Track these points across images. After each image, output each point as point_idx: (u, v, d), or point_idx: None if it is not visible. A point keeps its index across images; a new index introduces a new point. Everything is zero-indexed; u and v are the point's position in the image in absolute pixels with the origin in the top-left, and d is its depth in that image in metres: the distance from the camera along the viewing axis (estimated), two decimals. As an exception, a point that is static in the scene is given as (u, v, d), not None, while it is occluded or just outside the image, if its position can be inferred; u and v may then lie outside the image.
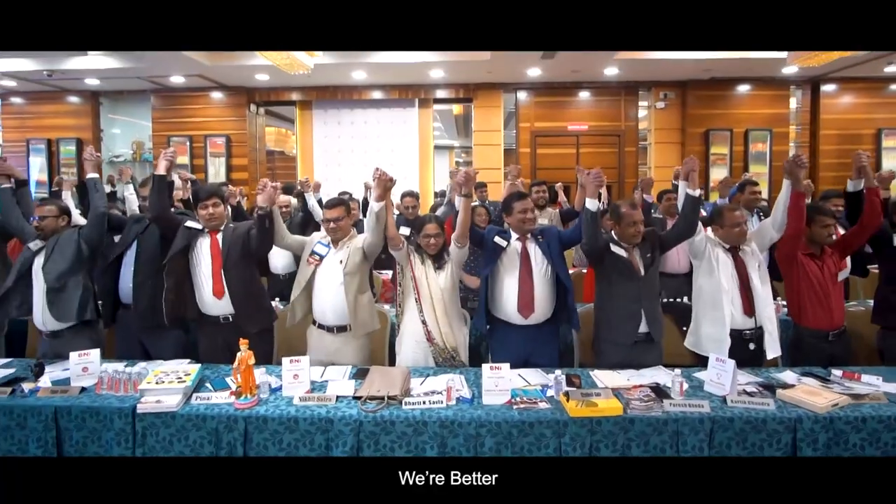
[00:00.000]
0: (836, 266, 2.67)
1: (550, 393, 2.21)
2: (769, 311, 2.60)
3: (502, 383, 2.15)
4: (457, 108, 10.09)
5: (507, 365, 2.20)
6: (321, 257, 2.71)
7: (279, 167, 9.85)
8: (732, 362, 2.20)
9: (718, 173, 7.31)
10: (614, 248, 2.59)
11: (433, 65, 6.85)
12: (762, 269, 2.65)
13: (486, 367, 2.19)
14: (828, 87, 7.47)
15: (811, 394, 2.17)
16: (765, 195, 7.11)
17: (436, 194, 8.51)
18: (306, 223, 4.24)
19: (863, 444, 2.02)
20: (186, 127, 7.83)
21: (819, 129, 7.56)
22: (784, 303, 3.04)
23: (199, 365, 2.48)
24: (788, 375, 2.42)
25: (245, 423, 2.09)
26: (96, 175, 2.94)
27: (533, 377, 2.38)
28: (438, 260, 2.71)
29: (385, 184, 2.59)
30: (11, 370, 2.54)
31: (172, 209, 2.98)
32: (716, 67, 6.84)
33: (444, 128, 12.56)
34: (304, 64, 5.32)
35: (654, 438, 2.02)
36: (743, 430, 2.02)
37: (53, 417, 2.16)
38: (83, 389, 2.28)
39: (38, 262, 2.74)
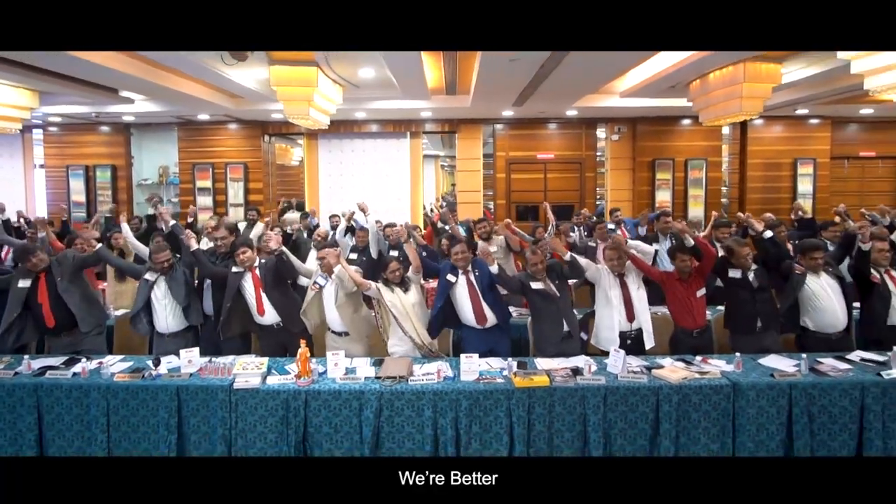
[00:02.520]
0: (695, 286, 3.85)
1: (506, 373, 3.36)
2: (645, 316, 3.78)
3: (473, 367, 3.30)
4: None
5: (477, 355, 3.37)
6: (321, 286, 3.81)
7: (283, 180, 10.93)
8: (623, 352, 3.37)
9: (663, 195, 8.62)
10: (532, 283, 3.75)
11: (423, 109, 8.03)
12: (641, 290, 3.82)
13: (463, 356, 3.34)
14: (754, 123, 8.81)
15: (672, 372, 3.34)
16: (700, 214, 8.45)
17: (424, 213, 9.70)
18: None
19: (700, 402, 3.20)
20: (209, 155, 8.93)
21: (747, 158, 8.91)
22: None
23: (267, 358, 3.60)
24: (667, 361, 3.59)
25: (305, 395, 3.19)
26: (175, 221, 4.11)
27: (495, 363, 3.53)
28: (403, 284, 3.77)
29: (333, 257, 3.75)
30: (130, 363, 3.62)
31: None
32: (659, 110, 8.13)
33: (431, 142, 13.72)
34: (323, 122, 6.43)
35: (569, 400, 3.17)
36: (625, 394, 3.18)
37: (176, 392, 3.27)
38: (190, 374, 3.39)
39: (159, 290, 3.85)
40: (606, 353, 3.56)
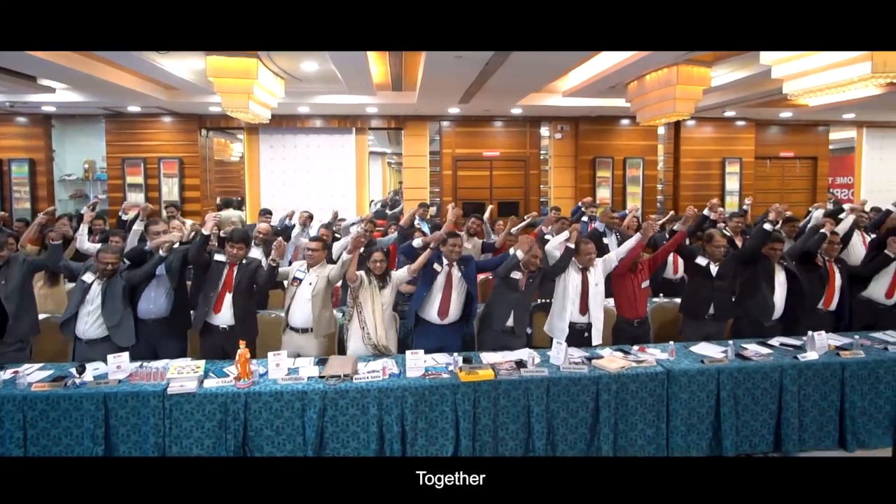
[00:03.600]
0: (641, 278, 4.04)
1: (451, 368, 3.38)
2: (598, 313, 3.89)
3: (419, 363, 3.30)
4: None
5: (423, 351, 3.36)
6: (300, 280, 3.77)
7: (222, 176, 10.50)
8: (565, 344, 3.46)
9: (603, 192, 8.95)
10: (513, 273, 3.79)
11: (369, 105, 7.92)
12: (600, 285, 3.94)
13: (408, 353, 3.33)
14: (687, 124, 9.30)
15: (611, 361, 3.47)
16: (639, 209, 8.79)
17: (372, 202, 9.60)
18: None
19: (637, 389, 3.34)
20: (141, 150, 8.43)
21: (680, 157, 9.39)
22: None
23: (203, 361, 3.45)
24: (606, 351, 3.73)
25: (245, 397, 3.09)
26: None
27: (441, 358, 3.54)
28: (382, 280, 3.74)
29: (359, 243, 3.65)
30: (50, 371, 3.37)
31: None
32: (600, 110, 8.41)
33: (377, 139, 13.58)
34: (264, 116, 6.21)
35: (514, 392, 3.23)
36: (567, 385, 3.28)
37: (103, 400, 3.07)
38: (119, 381, 3.19)
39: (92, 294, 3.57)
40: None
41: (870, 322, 4.18)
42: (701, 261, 4.02)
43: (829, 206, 5.33)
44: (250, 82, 5.51)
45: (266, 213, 6.14)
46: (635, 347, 3.73)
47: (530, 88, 7.04)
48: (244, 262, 3.80)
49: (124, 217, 4.53)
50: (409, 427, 3.12)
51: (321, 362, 3.46)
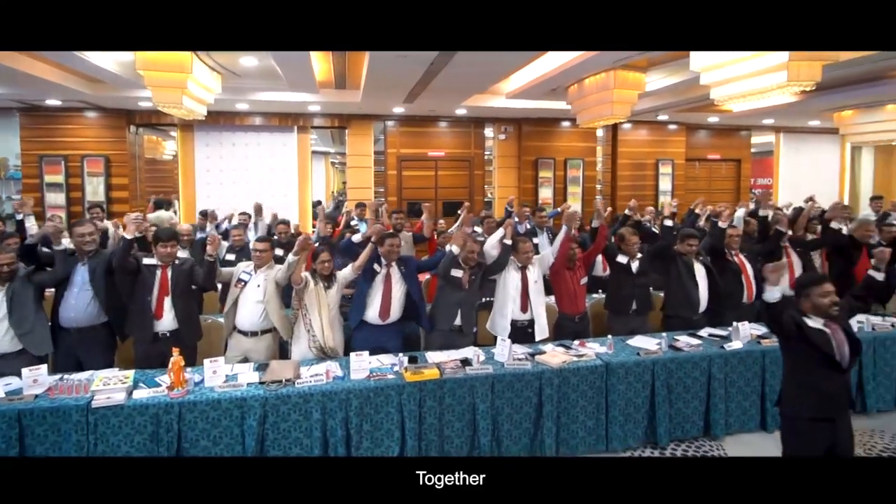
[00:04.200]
0: (579, 275, 4.16)
1: (397, 368, 3.35)
2: (540, 309, 3.99)
3: (363, 364, 3.25)
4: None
5: (367, 352, 3.32)
6: (245, 283, 3.63)
7: (154, 175, 9.96)
8: (509, 341, 3.52)
9: (545, 192, 9.18)
10: (454, 270, 3.81)
11: (311, 103, 7.74)
12: (539, 282, 4.04)
13: (353, 355, 3.27)
14: (623, 127, 9.70)
15: (554, 356, 3.56)
16: (579, 208, 9.10)
17: (314, 203, 9.38)
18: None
19: (578, 383, 3.45)
20: (61, 147, 7.82)
21: (618, 158, 9.78)
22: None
23: (133, 371, 3.25)
24: (549, 346, 3.82)
25: (179, 407, 2.94)
26: None
27: (386, 359, 3.50)
28: (328, 280, 3.65)
29: (305, 245, 3.55)
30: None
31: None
32: (542, 112, 8.62)
33: (320, 138, 13.30)
34: (199, 112, 5.92)
35: (459, 391, 3.25)
36: (511, 381, 3.33)
37: (17, 418, 2.83)
38: (36, 396, 2.95)
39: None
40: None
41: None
42: (622, 259, 4.17)
43: (751, 206, 5.72)
44: (184, 77, 5.24)
45: (205, 216, 5.90)
46: (576, 342, 3.84)
47: (475, 89, 7.11)
48: (177, 262, 3.61)
49: (18, 216, 4.15)
50: (354, 430, 3.07)
51: (261, 368, 3.34)
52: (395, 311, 3.78)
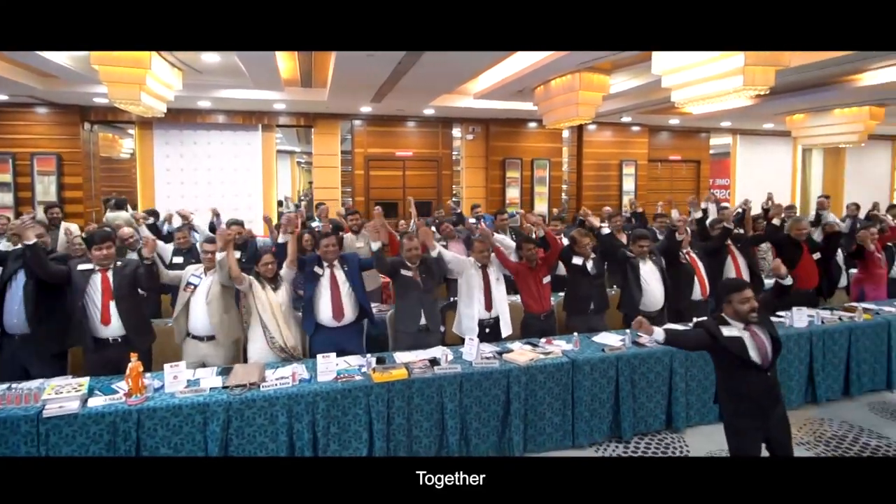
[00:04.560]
0: (542, 274, 4.21)
1: (364, 369, 3.33)
2: (503, 306, 4.03)
3: (330, 366, 3.21)
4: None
5: (334, 354, 3.28)
6: (195, 286, 3.51)
7: (111, 175, 9.59)
8: (477, 340, 3.54)
9: (513, 192, 9.28)
10: (402, 270, 3.81)
11: (276, 101, 7.59)
12: (500, 280, 4.08)
13: (319, 357, 3.23)
14: (588, 128, 9.88)
15: (521, 354, 3.59)
16: (544, 209, 9.24)
17: (279, 203, 9.22)
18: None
19: (545, 380, 3.49)
20: (9, 144, 7.46)
21: (583, 159, 9.96)
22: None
23: (88, 378, 3.12)
24: (516, 345, 3.85)
25: (138, 415, 2.84)
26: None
27: (353, 360, 3.47)
28: (274, 281, 3.59)
29: (226, 238, 3.44)
30: None
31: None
32: (509, 112, 8.70)
33: (286, 137, 13.07)
34: (158, 110, 5.72)
35: (427, 390, 3.25)
36: (479, 379, 3.35)
37: (-40, 430, 2.68)
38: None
39: None
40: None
41: None
42: (577, 260, 4.24)
43: (706, 205, 5.90)
44: (142, 72, 5.06)
45: (154, 214, 5.70)
46: (543, 340, 3.88)
47: (442, 89, 7.12)
48: (119, 264, 3.45)
49: None
50: (321, 433, 3.03)
51: (225, 372, 3.26)
52: (349, 311, 3.72)
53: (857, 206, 7.16)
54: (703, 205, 5.88)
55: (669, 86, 5.16)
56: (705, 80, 4.72)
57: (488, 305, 3.96)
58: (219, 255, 3.50)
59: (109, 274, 3.40)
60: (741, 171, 11.60)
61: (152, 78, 5.28)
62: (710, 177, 11.58)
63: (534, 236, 4.84)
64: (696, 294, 4.49)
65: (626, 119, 9.51)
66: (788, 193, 11.78)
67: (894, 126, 10.82)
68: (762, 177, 11.56)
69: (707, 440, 3.64)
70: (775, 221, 4.91)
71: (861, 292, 5.20)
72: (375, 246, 3.79)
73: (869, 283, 5.19)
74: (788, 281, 2.91)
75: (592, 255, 4.25)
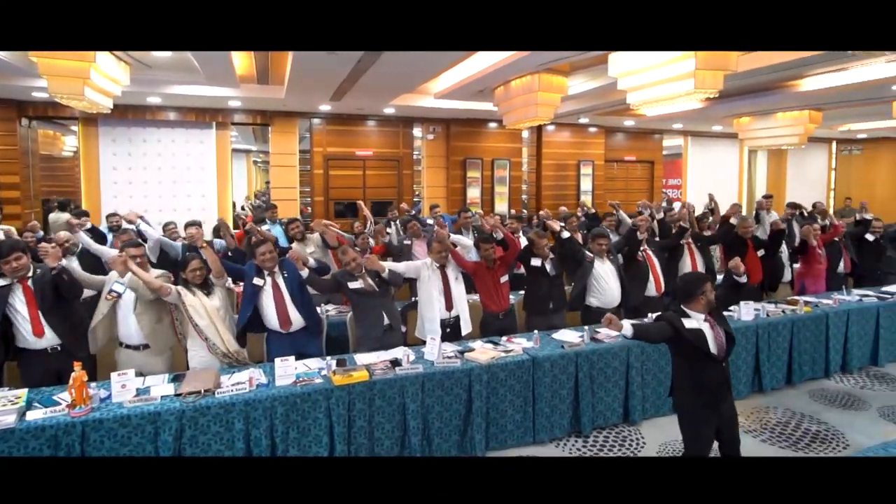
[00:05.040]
0: (500, 273, 4.24)
1: (324, 372, 3.27)
2: (463, 305, 4.05)
3: (289, 370, 3.14)
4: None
5: (293, 357, 3.21)
6: (119, 294, 3.30)
7: (52, 174, 9.08)
8: (438, 340, 3.54)
9: (473, 192, 9.34)
10: (350, 283, 3.74)
11: (231, 98, 7.37)
12: (459, 278, 4.09)
13: (278, 360, 3.15)
14: (547, 129, 10.05)
15: (483, 353, 3.61)
16: (504, 209, 9.34)
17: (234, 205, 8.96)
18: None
19: (506, 378, 3.51)
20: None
21: (542, 159, 10.12)
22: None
23: (26, 390, 2.94)
24: (477, 343, 3.87)
25: (82, 427, 2.69)
26: None
27: (313, 363, 3.40)
28: (205, 286, 3.44)
29: (120, 263, 3.21)
30: None
31: None
32: (469, 113, 8.75)
33: (241, 136, 12.71)
34: (104, 105, 5.45)
35: (389, 392, 3.22)
36: (441, 379, 3.34)
37: None
38: None
39: None
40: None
41: None
42: (535, 261, 4.29)
43: (664, 204, 6.12)
44: (85, 65, 4.80)
45: (84, 215, 5.44)
46: (504, 338, 3.92)
47: (403, 89, 7.08)
48: (38, 272, 3.24)
49: None
50: (280, 439, 2.96)
51: (178, 378, 3.14)
52: (297, 318, 3.62)
53: (795, 206, 7.55)
54: (663, 205, 6.09)
55: (625, 88, 5.30)
56: (659, 82, 4.87)
57: (449, 305, 3.97)
58: (126, 277, 3.26)
59: (30, 284, 3.19)
60: (692, 171, 12.05)
61: (97, 72, 5.02)
62: (664, 177, 11.99)
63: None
64: (651, 290, 4.63)
65: (583, 120, 9.72)
66: (735, 193, 12.32)
67: (831, 129, 11.52)
68: (712, 177, 12.06)
69: (661, 432, 3.76)
70: (732, 220, 5.13)
71: (802, 286, 5.50)
72: (304, 273, 3.64)
73: (809, 277, 5.50)
74: (744, 279, 3.04)
75: (550, 256, 4.31)
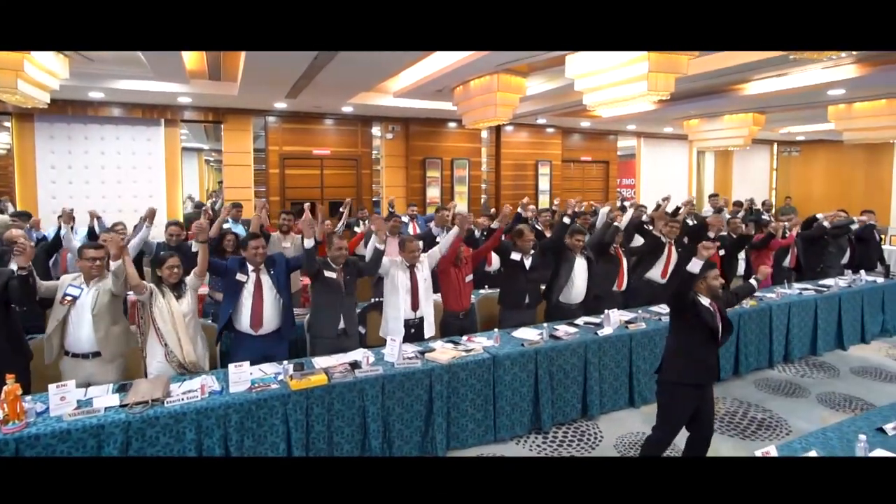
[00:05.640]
0: (465, 272, 4.26)
1: (281, 377, 3.17)
2: (429, 307, 4.02)
3: (244, 376, 3.04)
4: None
5: (248, 363, 3.10)
6: (75, 298, 3.09)
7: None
8: (399, 340, 3.50)
9: (433, 192, 9.32)
10: (326, 271, 3.69)
11: (180, 94, 7.07)
12: (428, 280, 4.06)
13: (231, 366, 3.04)
14: (506, 129, 10.15)
15: (443, 353, 3.60)
16: (464, 209, 9.37)
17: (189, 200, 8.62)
18: (53, 250, 4.33)
19: (467, 377, 3.51)
20: None
21: (501, 159, 10.21)
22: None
23: (-49, 404, 2.72)
24: (438, 343, 3.86)
25: (16, 444, 2.51)
26: None
27: (269, 368, 3.30)
28: (178, 288, 3.30)
29: (118, 244, 3.11)
30: None
31: None
32: (429, 112, 8.72)
33: (193, 134, 12.24)
34: (40, 100, 5.12)
35: (348, 395, 3.16)
36: (402, 380, 3.31)
37: None
38: None
39: None
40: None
41: (650, 298, 5.00)
42: (515, 256, 4.34)
43: (619, 204, 6.31)
44: (19, 57, 4.49)
45: (24, 217, 5.12)
46: (464, 338, 3.92)
47: (361, 87, 6.99)
48: None
49: None
50: (234, 448, 2.85)
51: (123, 389, 2.98)
52: (271, 320, 3.53)
53: (740, 204, 7.89)
54: (616, 204, 6.27)
55: (582, 89, 5.40)
56: (614, 84, 4.99)
57: (415, 305, 3.94)
58: (113, 265, 3.13)
59: None
60: (645, 171, 12.44)
61: (32, 64, 4.72)
62: (618, 177, 12.32)
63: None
64: (614, 285, 4.76)
65: (541, 121, 9.86)
66: (685, 192, 12.80)
67: (772, 131, 12.14)
68: (663, 177, 12.49)
69: (619, 425, 3.85)
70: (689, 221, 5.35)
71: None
72: (309, 244, 3.60)
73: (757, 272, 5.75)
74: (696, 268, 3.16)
75: (531, 251, 4.34)
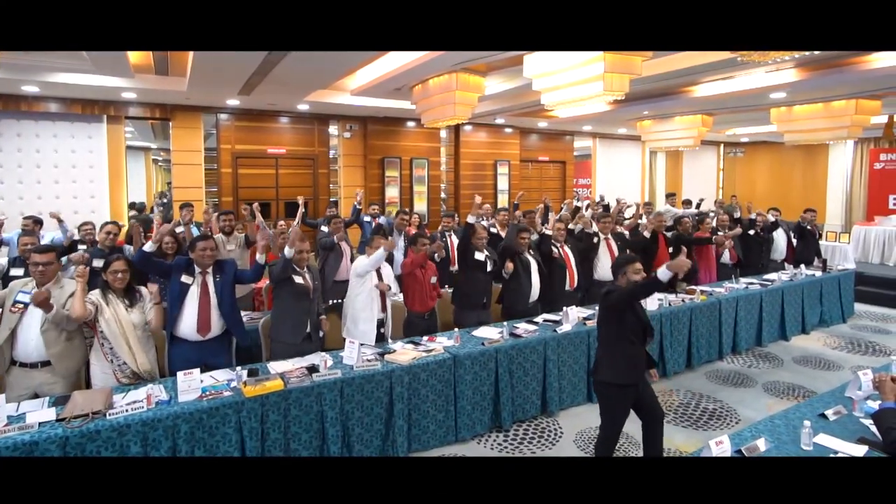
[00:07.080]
0: (430, 273, 4.22)
1: (234, 384, 3.04)
2: (390, 309, 3.98)
3: (194, 384, 2.89)
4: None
5: (198, 370, 2.96)
6: (26, 304, 2.88)
7: None
8: (357, 343, 3.43)
9: (392, 192, 9.23)
10: (296, 278, 3.55)
11: (124, 89, 6.72)
12: (393, 281, 4.01)
13: (180, 374, 2.89)
14: (465, 129, 10.17)
15: (404, 354, 3.55)
16: (424, 209, 9.34)
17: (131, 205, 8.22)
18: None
19: (427, 378, 3.48)
20: None
21: (460, 159, 10.23)
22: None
23: None
24: (398, 345, 3.81)
25: (-64, 465, 2.33)
26: None
27: (221, 375, 3.17)
28: (130, 297, 3.10)
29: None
30: None
31: None
32: (387, 111, 8.63)
33: (138, 131, 11.67)
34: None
35: (305, 400, 3.07)
36: (361, 382, 3.24)
37: None
38: None
39: None
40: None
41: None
42: (479, 256, 4.32)
43: (576, 203, 6.43)
44: (-64, 47, 4.16)
45: None
46: (425, 338, 3.89)
47: (317, 85, 6.83)
48: None
49: None
50: (184, 459, 2.72)
51: (60, 401, 2.79)
52: (217, 324, 3.35)
53: (689, 202, 8.21)
54: (574, 203, 6.38)
55: (540, 89, 5.46)
56: (571, 84, 5.07)
57: (383, 307, 3.96)
58: (50, 315, 2.86)
59: None
60: (600, 171, 12.74)
61: (-47, 55, 4.38)
62: (574, 176, 12.56)
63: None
64: (566, 285, 4.81)
65: (499, 121, 9.94)
66: (639, 191, 13.19)
67: (719, 133, 12.67)
68: (618, 176, 12.82)
69: (577, 420, 3.90)
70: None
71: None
72: (289, 252, 3.47)
73: (703, 269, 5.97)
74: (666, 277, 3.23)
75: (486, 254, 4.34)
